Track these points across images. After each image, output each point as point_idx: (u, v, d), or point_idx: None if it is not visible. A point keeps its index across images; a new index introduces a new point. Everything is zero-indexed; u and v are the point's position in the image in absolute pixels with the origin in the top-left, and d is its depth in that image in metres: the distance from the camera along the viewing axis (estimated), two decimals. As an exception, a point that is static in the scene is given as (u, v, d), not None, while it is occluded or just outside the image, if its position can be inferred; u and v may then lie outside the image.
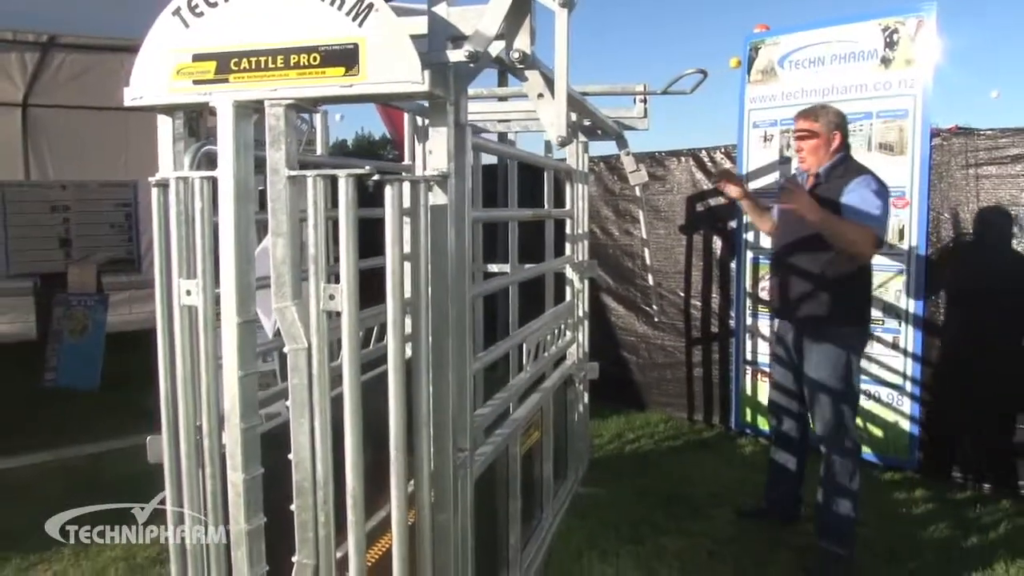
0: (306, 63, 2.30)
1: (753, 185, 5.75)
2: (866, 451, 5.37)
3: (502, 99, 5.03)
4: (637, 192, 5.48)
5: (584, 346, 5.08)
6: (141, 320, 9.33)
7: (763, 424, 5.74)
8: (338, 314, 2.30)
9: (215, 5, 2.35)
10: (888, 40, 5.22)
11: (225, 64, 2.35)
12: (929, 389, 5.20)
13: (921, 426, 5.22)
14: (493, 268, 5.07)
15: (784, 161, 5.70)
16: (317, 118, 4.30)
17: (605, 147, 5.40)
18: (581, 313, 5.00)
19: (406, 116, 4.63)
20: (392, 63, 2.24)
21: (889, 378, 5.32)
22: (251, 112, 2.38)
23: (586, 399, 5.16)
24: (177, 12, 2.38)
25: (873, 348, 5.35)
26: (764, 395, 5.55)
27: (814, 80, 5.60)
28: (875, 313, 5.27)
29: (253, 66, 2.33)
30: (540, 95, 2.74)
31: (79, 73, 9.69)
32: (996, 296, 5.02)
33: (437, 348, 2.59)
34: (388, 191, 2.30)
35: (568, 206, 4.94)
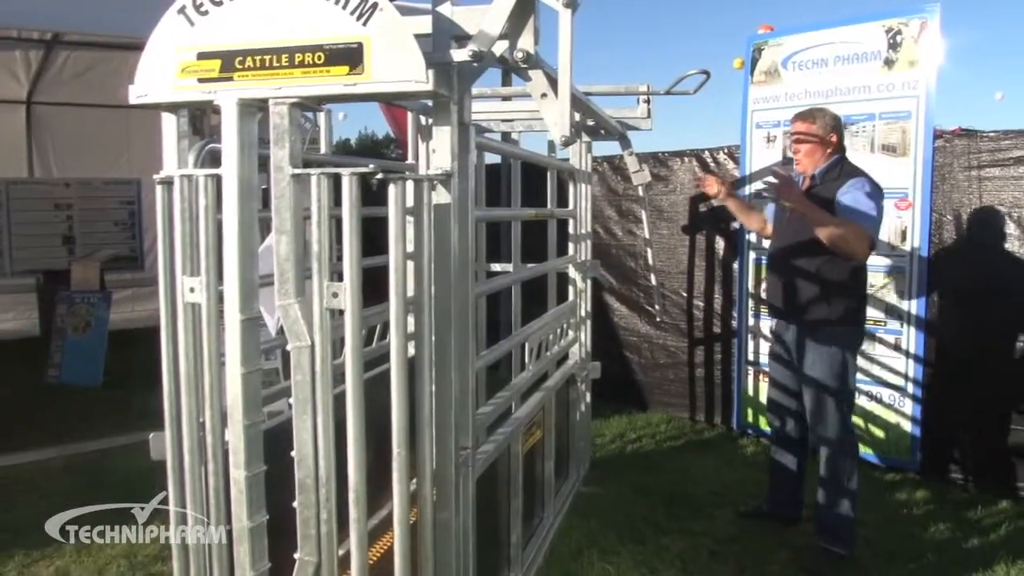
0: (311, 62, 2.31)
1: (757, 186, 5.76)
2: (867, 452, 5.38)
3: (506, 98, 5.03)
4: (640, 192, 5.48)
5: (586, 346, 5.08)
6: (144, 317, 9.38)
7: (765, 424, 5.74)
8: (341, 312, 2.31)
9: (220, 4, 2.36)
10: (891, 41, 5.21)
11: (230, 62, 2.36)
12: (930, 390, 5.20)
13: (922, 427, 5.21)
14: (496, 267, 5.08)
15: (787, 162, 5.69)
16: (321, 117, 4.31)
17: (608, 147, 5.42)
18: (583, 313, 5.00)
19: (410, 115, 4.63)
20: (396, 62, 2.25)
21: (891, 379, 5.32)
22: (255, 110, 2.39)
23: (588, 398, 5.17)
24: (182, 10, 2.39)
25: (875, 349, 5.35)
26: (766, 395, 5.55)
27: (817, 81, 5.60)
28: (877, 314, 5.29)
29: (258, 65, 2.34)
30: (544, 95, 2.75)
31: (83, 71, 9.71)
32: (998, 297, 5.02)
33: (440, 346, 2.59)
34: (392, 190, 2.30)
35: (571, 206, 4.95)
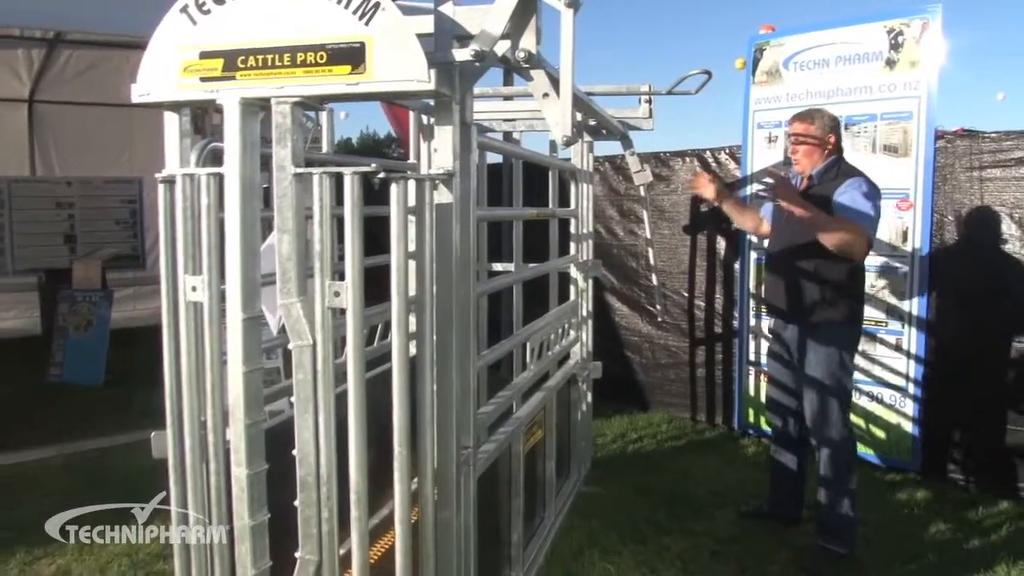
0: (313, 61, 2.31)
1: (756, 187, 5.77)
2: (868, 452, 5.39)
3: (507, 98, 5.03)
4: (642, 192, 5.48)
5: (588, 345, 5.08)
6: (145, 316, 9.39)
7: (766, 424, 5.74)
8: (343, 311, 2.32)
9: (222, 3, 2.37)
10: (893, 42, 5.22)
11: (232, 62, 2.36)
12: (931, 391, 5.20)
13: (923, 428, 5.22)
14: (497, 267, 5.08)
15: (788, 162, 5.69)
16: (323, 116, 4.31)
17: (610, 147, 5.42)
18: (585, 312, 5.01)
19: (411, 114, 4.63)
20: (398, 62, 2.25)
21: (892, 380, 5.32)
22: (258, 109, 2.40)
23: (589, 398, 5.17)
24: (185, 9, 2.40)
25: (876, 350, 5.36)
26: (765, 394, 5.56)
27: (819, 82, 5.60)
28: (878, 315, 5.29)
29: (260, 64, 2.34)
30: (545, 95, 2.75)
31: (85, 69, 9.73)
32: (999, 298, 5.02)
33: (441, 346, 2.60)
34: (393, 189, 2.31)
35: (572, 205, 4.95)
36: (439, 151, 2.55)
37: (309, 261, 2.35)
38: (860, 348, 5.33)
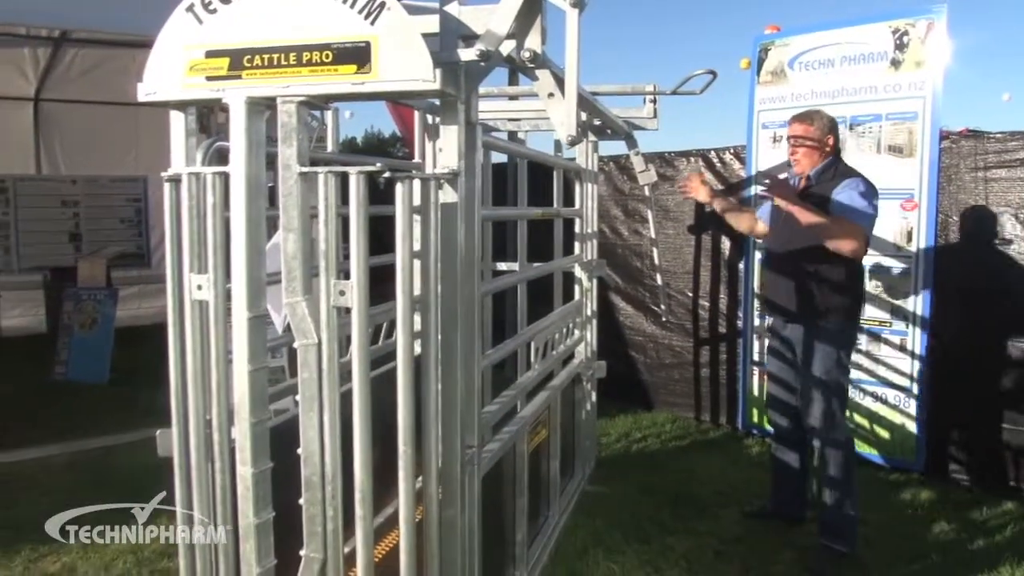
0: (318, 60, 2.31)
1: (760, 187, 5.76)
2: (872, 452, 5.39)
3: (512, 98, 5.04)
4: (646, 192, 5.48)
5: (592, 345, 5.08)
6: (150, 315, 9.41)
7: (769, 424, 5.74)
8: (348, 310, 2.32)
9: (228, 2, 2.37)
10: (898, 42, 5.21)
11: (238, 61, 2.37)
12: (935, 391, 5.20)
13: (927, 428, 5.22)
14: (502, 266, 5.08)
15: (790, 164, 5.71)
16: (328, 115, 4.31)
17: (615, 147, 5.41)
18: (589, 312, 5.01)
19: (416, 114, 4.64)
20: (404, 61, 2.26)
21: (895, 380, 5.32)
22: (263, 108, 2.40)
23: (594, 398, 5.17)
24: (191, 9, 2.40)
25: (880, 350, 5.36)
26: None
27: (824, 82, 5.60)
28: (882, 315, 5.29)
29: (266, 63, 2.35)
30: (550, 94, 2.76)
31: (91, 68, 9.75)
32: (1003, 299, 5.01)
33: (446, 345, 2.60)
34: (399, 188, 2.31)
35: (577, 205, 4.95)
36: (444, 150, 2.55)
37: (314, 260, 2.35)
38: (864, 348, 5.37)
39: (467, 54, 2.40)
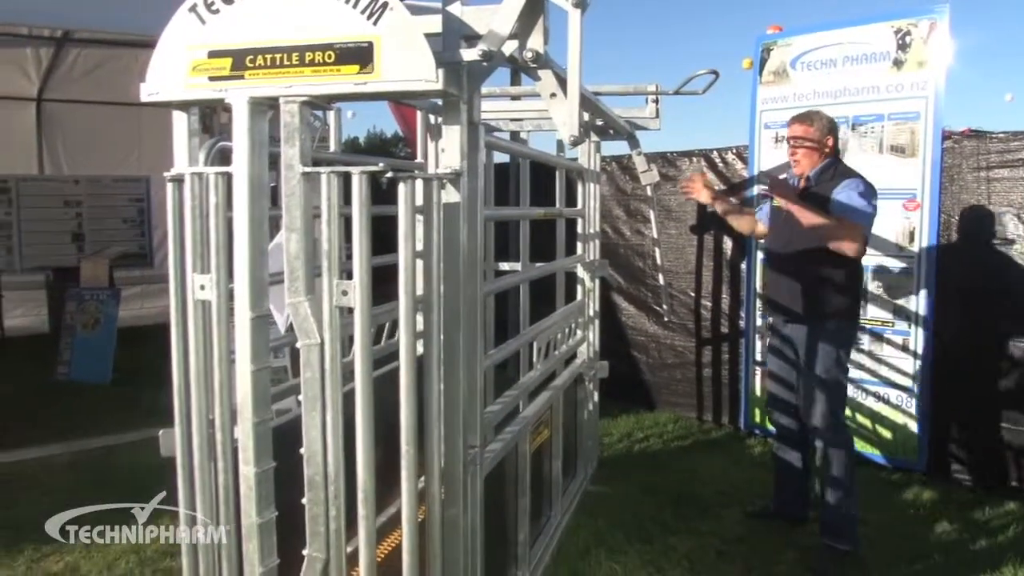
0: (321, 60, 2.31)
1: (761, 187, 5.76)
2: (874, 452, 5.38)
3: (515, 98, 5.03)
4: (648, 192, 5.48)
5: (594, 345, 5.08)
6: (153, 315, 9.42)
7: (771, 425, 5.74)
8: (350, 310, 2.32)
9: (231, 2, 2.37)
10: (900, 42, 5.21)
11: (241, 61, 2.37)
12: (938, 391, 5.20)
13: (929, 428, 5.21)
14: (504, 266, 5.08)
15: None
16: (331, 115, 4.32)
17: (617, 147, 5.41)
18: (592, 312, 5.01)
19: (419, 114, 4.64)
20: (406, 61, 2.26)
21: (898, 380, 5.32)
22: (266, 109, 2.40)
23: (596, 398, 5.17)
24: (193, 9, 2.40)
25: (883, 350, 5.36)
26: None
27: (826, 82, 5.59)
28: (885, 315, 5.29)
29: (268, 63, 2.35)
30: (553, 94, 2.75)
31: (93, 68, 9.77)
32: (1004, 299, 5.01)
33: (448, 345, 2.60)
34: (401, 188, 2.31)
35: (579, 205, 4.95)
36: (446, 150, 2.55)
37: (317, 260, 2.35)
38: (867, 348, 5.37)
39: (469, 54, 2.40)
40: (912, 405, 5.26)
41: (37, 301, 9.60)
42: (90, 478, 4.94)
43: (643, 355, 7.07)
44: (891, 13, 5.30)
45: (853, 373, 5.39)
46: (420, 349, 2.51)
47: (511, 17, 2.40)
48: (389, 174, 2.29)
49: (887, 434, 5.39)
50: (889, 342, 5.33)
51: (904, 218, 5.16)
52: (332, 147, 4.29)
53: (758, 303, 6.02)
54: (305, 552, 2.42)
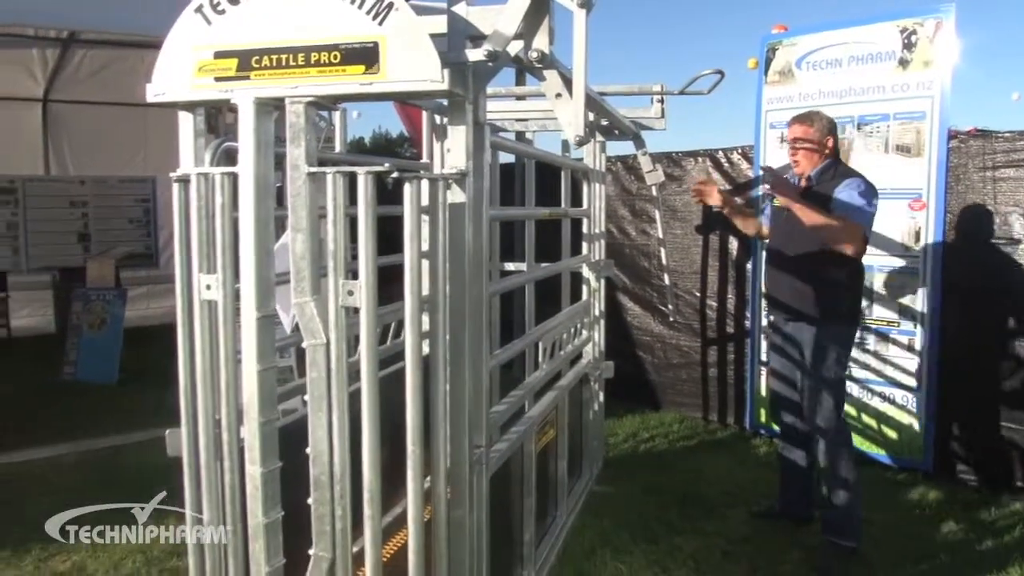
0: (326, 61, 2.32)
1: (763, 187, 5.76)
2: (879, 452, 5.38)
3: (520, 98, 5.04)
4: (654, 192, 5.48)
5: (600, 345, 5.08)
6: (159, 315, 9.45)
7: (775, 423, 5.74)
8: (356, 310, 2.32)
9: (237, 3, 2.38)
10: (906, 41, 5.20)
11: (246, 61, 2.37)
12: (943, 391, 5.18)
13: (935, 428, 5.20)
14: (510, 266, 5.08)
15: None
16: (336, 115, 4.32)
17: (622, 147, 5.41)
18: (597, 312, 5.00)
19: (424, 114, 4.64)
20: (412, 62, 2.26)
21: (903, 380, 5.31)
22: (272, 109, 2.41)
23: (601, 398, 5.17)
24: (199, 9, 2.41)
25: (888, 350, 5.35)
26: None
27: (831, 81, 5.59)
28: (890, 315, 5.29)
29: (274, 64, 2.35)
30: (558, 95, 2.76)
31: (99, 69, 9.80)
32: (1011, 299, 5.00)
33: (454, 345, 2.60)
34: (407, 189, 2.31)
35: (585, 205, 4.95)
36: (452, 151, 2.56)
37: (323, 260, 2.35)
38: (872, 348, 5.37)
39: (475, 54, 2.40)
40: (917, 405, 5.25)
41: (43, 301, 9.64)
42: (97, 478, 4.95)
43: (648, 355, 7.07)
44: (897, 12, 5.29)
45: (858, 373, 5.40)
46: (426, 349, 2.51)
47: (516, 17, 2.41)
48: (395, 174, 2.30)
49: (892, 434, 5.38)
50: (894, 342, 5.32)
51: (910, 218, 5.15)
52: (337, 147, 4.29)
53: (763, 303, 6.01)
54: (311, 552, 2.43)
